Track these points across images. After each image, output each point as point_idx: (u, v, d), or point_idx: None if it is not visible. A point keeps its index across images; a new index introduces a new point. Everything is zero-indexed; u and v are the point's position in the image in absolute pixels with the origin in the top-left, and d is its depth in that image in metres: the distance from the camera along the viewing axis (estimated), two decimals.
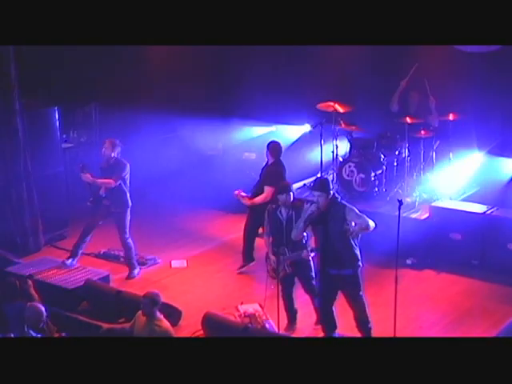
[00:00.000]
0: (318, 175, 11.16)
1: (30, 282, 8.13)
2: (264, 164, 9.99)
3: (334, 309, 7.90)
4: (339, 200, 7.75)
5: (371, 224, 7.60)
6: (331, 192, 7.70)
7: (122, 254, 10.56)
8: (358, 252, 7.71)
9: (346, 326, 7.95)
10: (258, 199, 9.65)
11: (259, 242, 9.83)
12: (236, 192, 9.83)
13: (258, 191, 9.78)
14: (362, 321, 7.86)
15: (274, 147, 9.89)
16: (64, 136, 12.44)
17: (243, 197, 9.79)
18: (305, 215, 7.67)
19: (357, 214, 7.64)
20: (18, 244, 10.67)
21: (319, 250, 7.79)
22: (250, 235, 10.04)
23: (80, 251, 10.17)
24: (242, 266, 10.08)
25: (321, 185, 7.72)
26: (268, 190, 9.49)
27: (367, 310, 7.86)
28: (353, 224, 7.58)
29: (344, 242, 7.60)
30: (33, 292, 8.02)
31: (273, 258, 8.25)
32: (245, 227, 10.14)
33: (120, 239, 10.04)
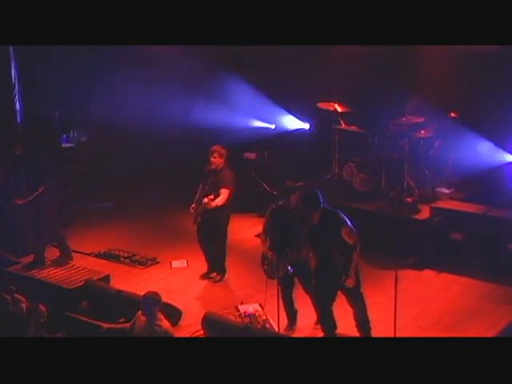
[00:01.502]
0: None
1: (13, 288, 8.06)
2: (210, 168, 9.47)
3: (333, 308, 7.90)
4: (330, 209, 7.66)
5: (358, 245, 7.54)
6: (322, 204, 7.56)
7: (122, 253, 10.59)
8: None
9: (346, 326, 7.95)
10: (219, 201, 9.30)
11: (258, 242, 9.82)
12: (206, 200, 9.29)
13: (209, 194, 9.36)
14: (361, 320, 7.85)
15: (223, 150, 9.44)
16: (64, 136, 12.45)
17: (209, 200, 9.26)
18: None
19: (350, 226, 7.54)
20: (18, 244, 10.65)
21: (316, 258, 7.79)
22: (220, 241, 9.71)
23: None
24: (207, 274, 9.94)
25: (311, 200, 7.57)
26: (225, 192, 9.31)
27: (367, 309, 7.86)
28: (342, 233, 7.52)
29: (341, 251, 7.59)
30: (18, 296, 7.96)
31: (269, 257, 8.23)
32: (205, 235, 9.70)
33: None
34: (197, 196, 9.60)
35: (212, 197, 9.29)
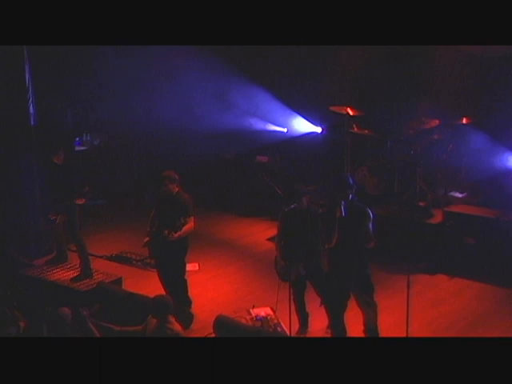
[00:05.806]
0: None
1: (15, 304, 8.11)
2: (165, 195, 8.74)
3: (344, 315, 7.86)
4: (358, 203, 7.66)
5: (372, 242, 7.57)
6: (352, 190, 7.58)
7: (134, 256, 10.60)
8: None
9: (356, 331, 7.91)
10: (184, 232, 8.66)
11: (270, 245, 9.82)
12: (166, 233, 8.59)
13: (170, 223, 8.65)
14: (370, 326, 7.82)
15: (173, 175, 8.79)
16: (77, 139, 12.48)
17: (169, 233, 8.57)
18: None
19: (370, 224, 7.55)
20: (31, 246, 10.67)
21: (333, 253, 7.75)
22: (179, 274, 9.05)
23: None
24: None
25: (343, 182, 7.63)
26: (192, 220, 8.74)
27: (378, 316, 7.82)
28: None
29: (361, 245, 7.58)
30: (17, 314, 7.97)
31: (282, 260, 8.22)
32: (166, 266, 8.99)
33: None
34: (149, 228, 8.88)
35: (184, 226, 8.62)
